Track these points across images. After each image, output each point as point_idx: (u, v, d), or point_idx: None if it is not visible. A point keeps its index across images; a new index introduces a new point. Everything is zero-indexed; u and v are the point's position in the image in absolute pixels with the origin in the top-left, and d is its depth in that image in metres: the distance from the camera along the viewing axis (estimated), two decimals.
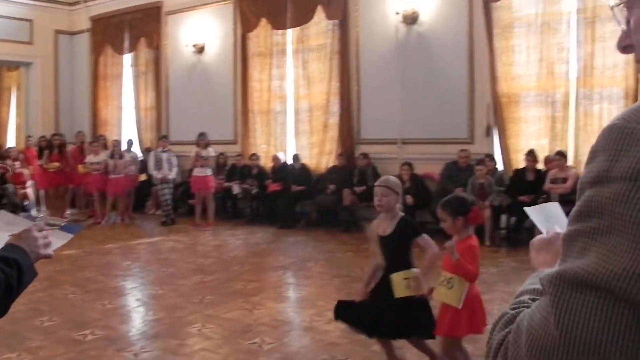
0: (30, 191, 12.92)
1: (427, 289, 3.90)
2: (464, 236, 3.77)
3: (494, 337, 0.92)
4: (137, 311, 6.23)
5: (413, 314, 3.92)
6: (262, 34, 12.21)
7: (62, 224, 2.13)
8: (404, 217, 4.09)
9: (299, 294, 6.92)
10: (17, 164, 13.12)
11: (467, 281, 3.66)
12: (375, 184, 4.21)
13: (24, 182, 12.96)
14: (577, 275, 0.79)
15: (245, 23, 12.36)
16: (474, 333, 3.81)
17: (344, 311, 4.17)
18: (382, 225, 4.06)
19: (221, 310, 6.00)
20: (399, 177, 9.91)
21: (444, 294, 3.72)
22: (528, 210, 1.46)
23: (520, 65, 9.64)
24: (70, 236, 2.07)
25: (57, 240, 2.01)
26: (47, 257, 1.87)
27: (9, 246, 1.76)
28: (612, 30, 8.77)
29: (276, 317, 5.80)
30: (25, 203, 12.72)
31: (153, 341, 5.22)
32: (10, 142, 16.90)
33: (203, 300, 6.37)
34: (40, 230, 1.88)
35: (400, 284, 3.88)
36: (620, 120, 0.82)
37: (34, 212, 12.36)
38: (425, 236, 4.02)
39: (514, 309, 0.93)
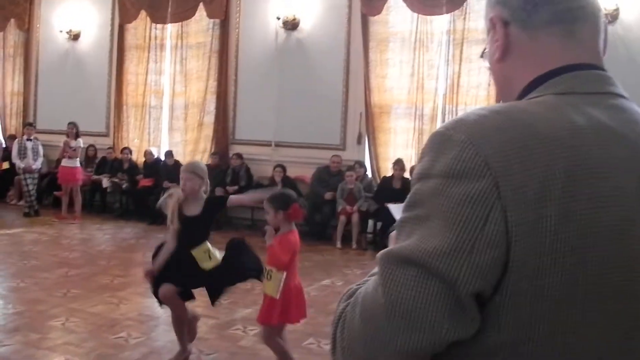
0: None
1: None
2: (285, 230, 4.02)
3: (337, 309, 1.08)
4: None
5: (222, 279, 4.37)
6: (140, 26, 12.02)
7: None
8: (208, 197, 4.47)
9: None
10: None
11: (279, 270, 3.92)
12: (181, 169, 4.55)
13: None
14: (400, 253, 0.97)
15: (124, 13, 12.10)
16: (288, 322, 4.13)
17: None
18: (186, 207, 4.33)
19: (86, 304, 5.90)
20: (272, 178, 10.12)
21: (265, 285, 4.00)
22: (390, 206, 1.66)
23: (393, 78, 10.11)
24: None
25: None
26: None
27: None
28: (477, 52, 9.42)
29: (143, 312, 5.79)
30: None
31: (12, 335, 5.07)
32: None
33: (67, 294, 6.23)
34: None
35: (205, 257, 4.27)
36: (443, 128, 1.01)
37: None
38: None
39: (358, 286, 1.09)
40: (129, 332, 5.15)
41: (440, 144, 0.99)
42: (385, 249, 1.01)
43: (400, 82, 10.06)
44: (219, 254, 4.36)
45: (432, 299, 0.93)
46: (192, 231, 4.27)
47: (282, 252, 3.92)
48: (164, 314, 5.83)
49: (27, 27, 13.28)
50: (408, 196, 1.02)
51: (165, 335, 5.16)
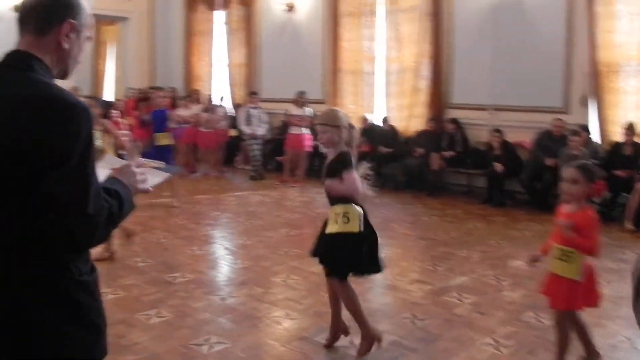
0: (126, 140, 13.46)
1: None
2: (581, 206, 3.62)
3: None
4: (225, 258, 6.46)
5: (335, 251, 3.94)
6: None
7: (161, 165, 2.24)
8: (344, 151, 3.90)
9: (383, 254, 6.91)
10: (117, 112, 13.69)
11: (587, 255, 3.55)
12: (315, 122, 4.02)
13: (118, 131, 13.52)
14: None
15: None
16: (590, 306, 3.69)
17: None
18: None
19: (306, 264, 6.10)
20: (489, 143, 9.77)
21: (561, 268, 3.60)
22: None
23: (622, 32, 9.18)
24: (166, 175, 2.17)
25: (154, 177, 2.13)
26: (145, 191, 1.99)
27: (111, 179, 1.87)
28: None
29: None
30: (121, 152, 13.25)
31: (239, 287, 5.44)
32: (109, 93, 17.59)
33: (289, 253, 6.53)
34: (139, 166, 1.99)
35: (332, 218, 3.90)
36: None
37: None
38: (351, 173, 3.85)
39: None
40: None
41: None
42: None
43: (631, 37, 9.11)
44: (359, 224, 3.86)
45: None
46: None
47: (590, 233, 3.53)
48: (380, 277, 5.89)
49: (248, 2, 14.01)
50: None
51: (380, 298, 5.22)
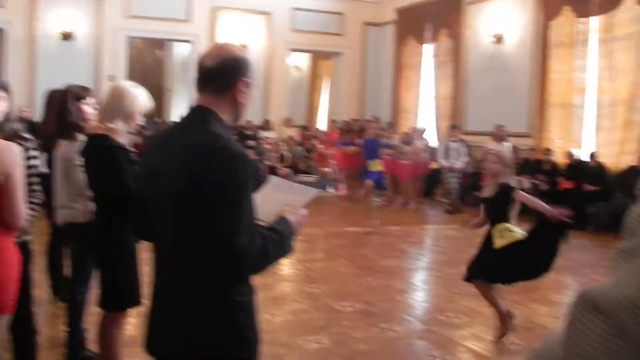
0: (329, 170, 14.04)
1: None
2: None
3: None
4: (398, 292, 6.42)
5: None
6: (564, 23, 11.55)
7: (314, 181, 2.36)
8: (504, 183, 4.86)
9: (566, 299, 6.49)
10: (321, 145, 14.40)
11: None
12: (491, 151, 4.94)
13: (325, 161, 14.14)
14: (594, 297, 0.72)
15: (547, 11, 11.80)
16: None
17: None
18: (485, 189, 5.02)
19: (482, 303, 5.86)
20: None
21: None
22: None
23: None
24: (315, 191, 2.30)
25: (303, 196, 2.26)
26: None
27: (281, 219, 2.10)
28: None
29: (532, 320, 5.56)
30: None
31: (402, 322, 5.43)
32: (321, 124, 18.46)
33: (462, 291, 6.27)
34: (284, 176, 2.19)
35: (497, 235, 4.76)
36: None
37: (328, 188, 13.48)
38: (521, 192, 4.97)
39: None
40: (511, 338, 5.00)
41: None
42: (580, 290, 0.77)
43: None
44: (519, 234, 4.77)
45: None
46: (489, 211, 4.92)
47: None
48: (555, 324, 5.50)
49: (456, 35, 13.98)
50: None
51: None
